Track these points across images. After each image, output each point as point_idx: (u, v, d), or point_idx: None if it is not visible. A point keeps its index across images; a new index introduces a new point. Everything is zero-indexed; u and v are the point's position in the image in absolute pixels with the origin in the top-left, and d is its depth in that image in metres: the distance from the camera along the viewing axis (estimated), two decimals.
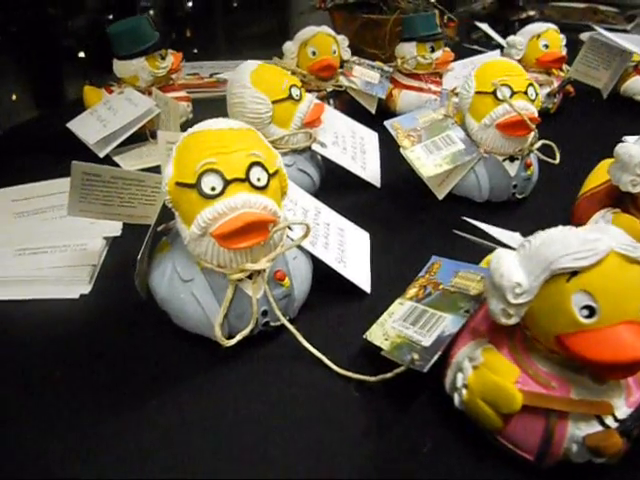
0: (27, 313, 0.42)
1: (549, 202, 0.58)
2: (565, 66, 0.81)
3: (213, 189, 0.34)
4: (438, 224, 0.54)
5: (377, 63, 0.79)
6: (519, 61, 0.78)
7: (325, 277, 0.42)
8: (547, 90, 0.78)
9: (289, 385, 0.36)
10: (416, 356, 0.33)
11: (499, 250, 0.30)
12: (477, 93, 0.54)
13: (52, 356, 0.39)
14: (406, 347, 0.34)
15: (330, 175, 0.59)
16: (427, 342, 0.33)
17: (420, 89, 0.78)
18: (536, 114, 0.52)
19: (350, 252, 0.45)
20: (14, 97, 0.97)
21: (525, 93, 0.52)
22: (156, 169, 0.62)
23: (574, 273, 0.27)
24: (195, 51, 1.14)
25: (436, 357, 0.32)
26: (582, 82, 0.90)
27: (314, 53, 0.72)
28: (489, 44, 1.06)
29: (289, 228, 0.41)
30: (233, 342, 0.36)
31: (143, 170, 0.61)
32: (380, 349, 0.36)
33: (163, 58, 0.70)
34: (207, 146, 0.35)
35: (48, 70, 1.00)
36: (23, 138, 0.77)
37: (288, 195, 0.43)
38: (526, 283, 0.28)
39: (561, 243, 0.27)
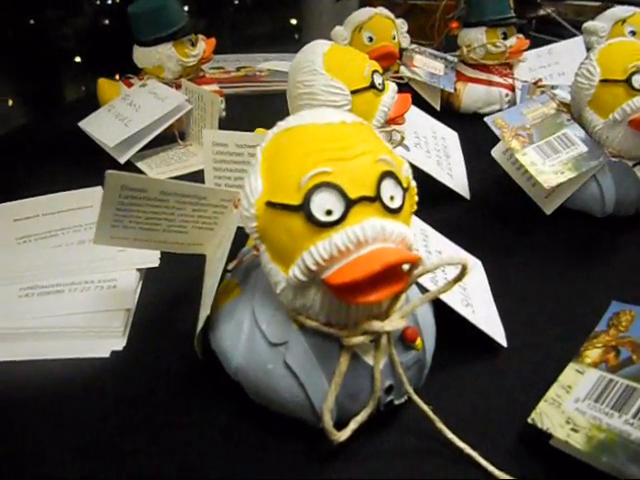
0: (36, 379, 0.31)
1: None
2: None
3: (329, 213, 0.22)
4: (556, 246, 0.43)
5: (439, 52, 0.68)
6: None
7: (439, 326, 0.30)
8: None
9: None
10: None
11: None
12: (603, 81, 0.43)
13: (70, 441, 0.27)
14: (621, 450, 0.22)
15: None
16: None
17: (489, 82, 0.67)
18: None
19: (472, 290, 0.34)
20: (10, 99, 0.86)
21: None
22: (187, 177, 0.51)
23: None
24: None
25: None
26: None
27: (371, 39, 0.61)
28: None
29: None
30: (347, 435, 0.25)
31: (175, 179, 0.51)
32: (564, 442, 0.24)
33: (193, 45, 0.58)
34: (316, 147, 0.23)
35: (46, 67, 0.89)
36: (23, 143, 0.65)
37: None
38: None
39: None
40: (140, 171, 0.54)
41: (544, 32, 0.94)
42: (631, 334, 0.27)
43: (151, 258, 0.37)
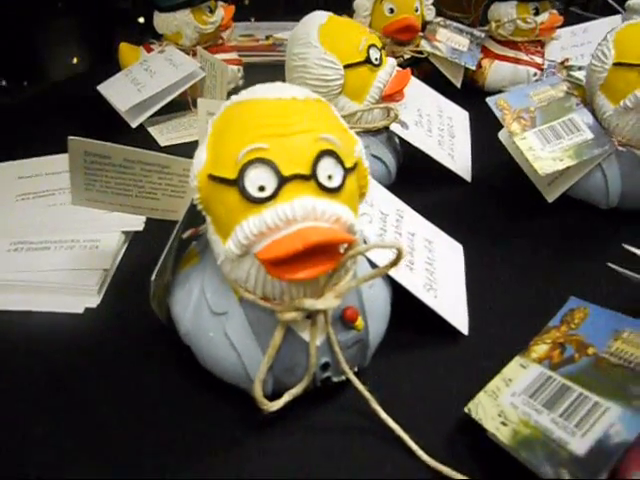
0: (13, 328, 0.33)
1: None
2: None
3: (262, 189, 0.23)
4: (550, 236, 0.42)
5: (466, 27, 0.65)
6: None
7: (402, 307, 0.30)
8: None
9: (350, 469, 0.25)
10: (565, 474, 0.21)
11: None
12: (616, 65, 0.40)
13: (40, 389, 0.29)
14: (541, 447, 0.22)
15: (406, 163, 0.47)
16: (580, 448, 0.21)
17: (517, 60, 0.64)
18: None
19: (441, 275, 0.33)
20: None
21: None
22: (195, 145, 0.52)
23: None
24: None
25: None
26: None
27: (392, 10, 0.59)
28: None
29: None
30: (279, 406, 0.26)
31: (183, 146, 0.52)
32: (492, 434, 0.24)
33: (212, 11, 0.59)
34: (257, 123, 0.23)
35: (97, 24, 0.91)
36: (48, 102, 0.67)
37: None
38: None
39: None
40: (150, 136, 0.55)
41: (590, 10, 0.88)
42: (580, 331, 0.26)
43: (136, 222, 0.39)
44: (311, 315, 0.25)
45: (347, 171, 0.24)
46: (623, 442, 0.20)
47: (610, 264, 0.31)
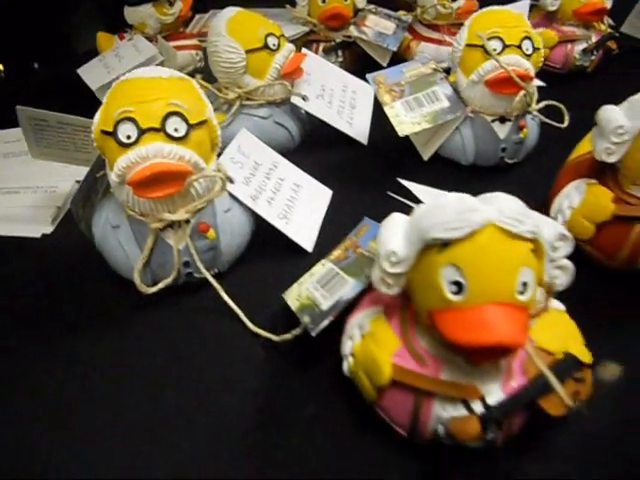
0: None
1: (543, 168, 0.53)
2: (607, 19, 0.72)
3: (129, 137, 0.34)
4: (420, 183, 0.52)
5: (401, 12, 0.74)
6: (554, 13, 0.72)
7: (274, 234, 0.41)
8: (583, 46, 0.70)
9: (200, 336, 0.37)
10: (307, 319, 0.32)
11: (393, 215, 0.29)
12: (468, 46, 0.50)
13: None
14: (308, 309, 0.33)
15: (316, 130, 0.58)
16: (325, 306, 0.32)
17: (440, 41, 0.73)
18: (530, 71, 0.48)
19: (301, 209, 0.44)
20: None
21: (519, 47, 0.48)
22: None
23: (446, 245, 0.25)
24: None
25: (326, 322, 0.31)
26: (636, 38, 0.81)
27: (324, 1, 0.69)
28: None
29: (230, 181, 0.40)
30: (153, 290, 0.37)
31: None
32: (290, 305, 0.35)
33: (171, 4, 0.70)
34: (129, 94, 0.35)
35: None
36: (39, 81, 0.80)
37: (240, 148, 0.43)
38: (402, 252, 0.26)
39: (438, 212, 0.25)
40: None
41: None
42: (360, 240, 0.36)
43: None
44: (174, 226, 0.37)
45: (191, 126, 0.35)
46: (347, 300, 0.31)
47: (389, 192, 0.41)
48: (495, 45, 0.48)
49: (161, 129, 0.34)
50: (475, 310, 0.24)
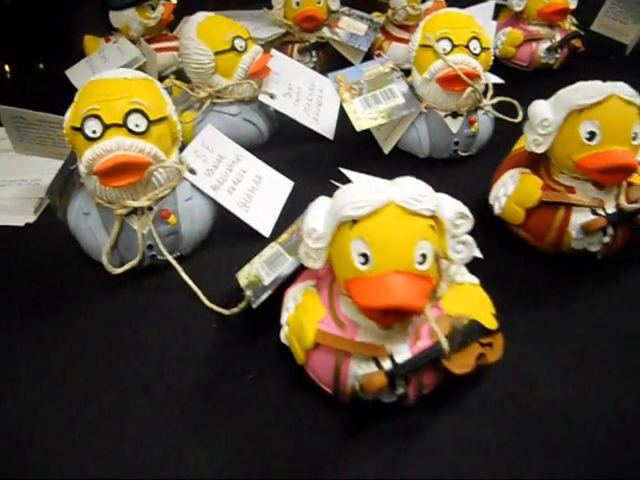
0: None
1: (495, 161, 0.56)
2: (571, 18, 0.76)
3: (94, 132, 0.38)
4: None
5: (375, 14, 0.78)
6: (521, 13, 0.75)
7: (236, 222, 0.45)
8: (547, 45, 0.74)
9: (160, 312, 0.40)
10: (250, 293, 0.36)
11: (319, 197, 0.32)
12: (421, 46, 0.53)
13: None
14: (253, 285, 0.37)
15: (286, 127, 0.61)
16: (266, 282, 0.36)
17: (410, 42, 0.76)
18: (478, 69, 0.51)
19: (260, 198, 0.48)
20: None
21: (466, 47, 0.51)
22: None
23: (355, 222, 0.29)
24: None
25: (265, 295, 0.35)
26: (606, 36, 0.84)
27: (298, 4, 0.72)
28: None
29: (191, 172, 0.44)
30: (119, 271, 0.41)
31: None
32: (242, 286, 0.39)
33: (154, 9, 0.74)
34: (96, 93, 0.39)
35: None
36: (31, 83, 0.84)
37: (205, 142, 0.46)
38: (321, 229, 0.30)
39: (350, 193, 0.29)
40: None
41: None
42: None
43: None
44: (138, 212, 0.41)
45: (152, 122, 0.39)
46: (285, 276, 0.35)
47: (331, 180, 0.45)
48: (444, 45, 0.52)
49: (123, 125, 0.38)
50: (379, 278, 0.28)
